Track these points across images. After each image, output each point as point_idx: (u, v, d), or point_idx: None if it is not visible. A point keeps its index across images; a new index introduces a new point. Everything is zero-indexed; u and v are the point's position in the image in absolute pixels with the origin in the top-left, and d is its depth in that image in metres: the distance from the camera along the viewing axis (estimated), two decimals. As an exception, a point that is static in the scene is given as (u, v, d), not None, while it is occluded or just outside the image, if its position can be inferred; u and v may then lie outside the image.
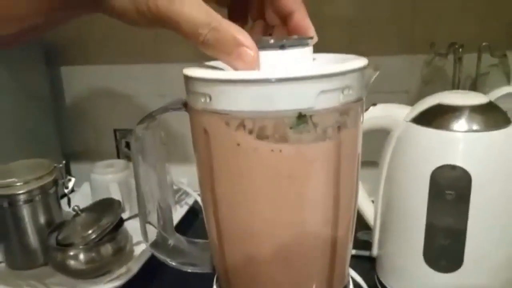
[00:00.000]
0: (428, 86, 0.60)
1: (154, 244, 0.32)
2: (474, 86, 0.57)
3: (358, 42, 0.65)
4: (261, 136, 0.23)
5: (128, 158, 0.76)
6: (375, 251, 0.48)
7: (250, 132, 0.23)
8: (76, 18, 0.28)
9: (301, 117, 0.23)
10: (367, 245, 0.49)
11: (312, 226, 0.26)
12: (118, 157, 0.79)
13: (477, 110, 0.40)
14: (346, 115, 0.24)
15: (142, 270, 0.52)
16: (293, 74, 0.22)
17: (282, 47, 0.24)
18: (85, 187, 0.71)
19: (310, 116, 0.23)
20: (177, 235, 0.33)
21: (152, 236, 0.32)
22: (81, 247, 0.50)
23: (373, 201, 0.49)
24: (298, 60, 0.25)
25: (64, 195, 0.58)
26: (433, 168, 0.40)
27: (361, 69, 0.24)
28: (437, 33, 0.60)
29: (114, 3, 0.23)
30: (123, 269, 0.51)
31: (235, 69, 0.24)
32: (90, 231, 0.50)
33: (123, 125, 0.77)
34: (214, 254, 0.30)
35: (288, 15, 0.27)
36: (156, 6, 0.22)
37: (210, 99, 0.23)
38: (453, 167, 0.39)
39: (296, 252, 0.26)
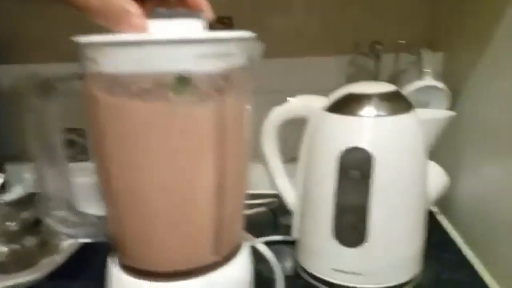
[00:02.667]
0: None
1: (60, 220, 0.33)
2: (394, 82, 0.61)
3: (288, 44, 0.68)
4: (145, 97, 0.24)
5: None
6: (294, 234, 0.50)
7: (136, 93, 0.24)
8: None
9: (182, 79, 0.24)
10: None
11: (199, 190, 0.27)
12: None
13: (383, 97, 0.43)
14: (228, 81, 0.26)
15: (70, 264, 0.51)
16: (170, 36, 0.23)
17: (169, 16, 0.26)
18: (18, 188, 0.70)
19: (190, 79, 0.24)
20: (80, 211, 0.33)
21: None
22: (0, 239, 0.49)
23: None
24: (186, 28, 0.27)
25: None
26: (341, 150, 0.42)
27: (238, 39, 0.26)
28: (360, 33, 0.65)
29: None
30: (45, 261, 0.50)
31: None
32: (10, 223, 0.49)
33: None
34: (109, 221, 0.30)
35: None
36: None
37: (97, 62, 0.25)
38: (357, 149, 0.42)
39: (184, 214, 0.28)
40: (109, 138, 0.27)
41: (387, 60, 0.61)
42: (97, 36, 0.25)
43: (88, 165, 0.65)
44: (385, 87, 0.44)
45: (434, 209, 0.64)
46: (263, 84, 0.69)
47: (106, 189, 0.29)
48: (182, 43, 0.24)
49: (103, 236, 0.32)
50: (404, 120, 0.42)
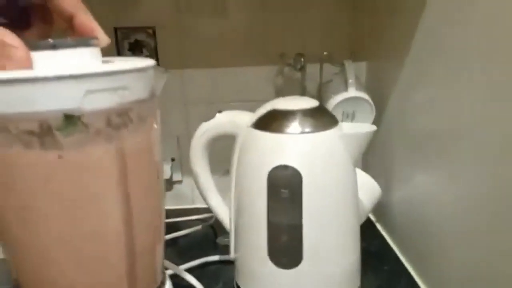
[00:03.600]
0: (281, 95, 0.63)
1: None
2: (319, 93, 0.62)
3: (215, 55, 0.67)
4: (30, 143, 0.22)
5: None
6: (232, 254, 0.49)
7: (19, 138, 0.22)
8: None
9: (68, 118, 0.22)
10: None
11: (103, 236, 0.25)
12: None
13: (307, 113, 0.43)
14: (125, 116, 0.24)
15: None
16: (55, 72, 0.21)
17: (54, 47, 0.24)
18: None
19: (79, 117, 0.22)
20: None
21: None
22: None
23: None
24: (77, 60, 0.24)
25: None
26: (269, 169, 0.42)
27: (134, 71, 0.24)
28: (286, 45, 0.65)
29: None
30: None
31: (7, 70, 0.23)
32: None
33: None
34: (12, 270, 0.27)
35: (71, 18, 0.27)
36: None
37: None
38: (285, 167, 0.41)
39: (91, 260, 0.25)
40: None
41: (313, 71, 0.62)
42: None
43: None
44: (309, 103, 0.44)
45: (372, 218, 0.65)
46: (191, 95, 0.68)
47: (2, 240, 0.26)
48: (69, 79, 0.22)
49: (5, 283, 0.29)
50: (328, 136, 0.42)
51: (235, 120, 0.47)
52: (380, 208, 0.51)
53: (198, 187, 0.51)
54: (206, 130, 0.48)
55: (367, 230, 0.46)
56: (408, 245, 0.55)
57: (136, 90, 0.24)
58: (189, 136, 0.49)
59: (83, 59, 0.25)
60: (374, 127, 0.43)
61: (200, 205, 0.64)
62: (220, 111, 0.47)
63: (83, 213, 0.24)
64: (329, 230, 0.43)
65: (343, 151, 0.42)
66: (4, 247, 0.26)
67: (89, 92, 0.22)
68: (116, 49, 0.65)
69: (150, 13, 0.66)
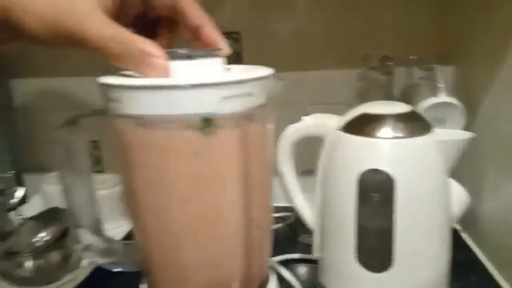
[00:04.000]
0: (363, 98, 0.64)
1: (86, 247, 0.34)
2: (405, 97, 0.61)
3: (297, 57, 0.68)
4: (171, 139, 0.25)
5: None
6: (315, 254, 0.50)
7: (161, 135, 0.25)
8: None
9: (206, 121, 0.25)
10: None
11: (226, 214, 0.28)
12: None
13: (399, 118, 0.43)
14: (249, 119, 0.26)
15: (90, 279, 0.52)
16: (194, 80, 0.24)
17: (189, 57, 0.27)
18: (37, 199, 0.72)
19: (215, 120, 0.25)
20: (107, 237, 0.34)
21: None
22: (27, 254, 0.50)
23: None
24: (207, 69, 0.27)
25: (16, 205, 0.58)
26: (360, 172, 0.42)
27: (261, 79, 0.26)
28: (370, 47, 0.64)
29: (28, 27, 0.25)
30: (69, 277, 0.52)
31: (148, 77, 0.26)
32: (35, 239, 0.51)
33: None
34: (141, 254, 0.31)
35: (197, 30, 0.30)
36: (66, 26, 0.24)
37: (122, 104, 0.25)
38: (377, 171, 0.42)
39: (213, 252, 0.28)
40: (136, 167, 0.27)
41: (399, 75, 0.61)
42: (122, 79, 0.26)
43: (105, 177, 0.66)
44: (401, 107, 0.44)
45: (458, 226, 0.63)
46: (275, 97, 0.70)
47: (134, 216, 0.29)
48: (206, 87, 0.24)
49: (130, 265, 0.33)
50: (422, 141, 0.42)
51: (323, 122, 0.48)
52: (467, 216, 0.49)
53: (283, 186, 0.53)
54: (293, 131, 0.50)
55: (453, 239, 0.45)
56: (499, 256, 0.53)
57: (260, 96, 0.27)
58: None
59: (213, 68, 0.27)
60: (471, 134, 0.42)
61: (280, 203, 0.66)
62: (307, 114, 0.49)
63: (209, 193, 0.27)
64: (421, 236, 0.42)
65: (438, 157, 0.42)
66: (136, 231, 0.30)
67: (224, 98, 0.25)
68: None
69: (234, 18, 0.69)
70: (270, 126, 0.29)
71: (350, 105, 0.44)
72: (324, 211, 0.48)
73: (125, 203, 0.30)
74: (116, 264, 0.33)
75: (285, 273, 0.42)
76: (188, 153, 0.26)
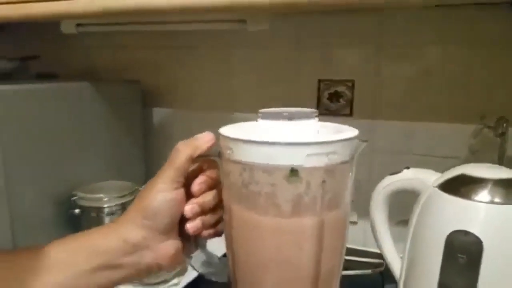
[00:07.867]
0: (475, 155, 0.61)
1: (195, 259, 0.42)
2: (518, 161, 0.57)
3: (413, 108, 0.70)
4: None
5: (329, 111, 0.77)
6: (398, 303, 0.51)
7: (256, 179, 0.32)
8: None
9: (293, 171, 0.31)
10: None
11: (298, 264, 0.33)
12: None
13: (500, 183, 0.43)
14: (331, 173, 0.31)
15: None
16: (289, 140, 0.30)
17: (290, 118, 0.33)
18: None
19: (300, 171, 0.31)
20: (209, 251, 0.42)
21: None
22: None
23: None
24: (302, 129, 0.33)
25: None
26: (449, 232, 0.43)
27: (342, 141, 0.31)
28: (487, 106, 0.63)
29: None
30: (176, 280, 0.61)
31: None
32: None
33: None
34: (230, 271, 0.38)
35: None
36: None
37: (232, 151, 0.33)
38: (466, 233, 0.42)
39: (287, 281, 0.34)
40: (234, 210, 0.35)
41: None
42: (237, 132, 0.33)
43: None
44: (503, 173, 0.44)
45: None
46: (379, 143, 0.72)
47: (229, 246, 0.36)
48: (295, 145, 0.30)
49: (223, 277, 0.39)
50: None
51: (422, 178, 0.49)
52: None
53: (374, 234, 0.55)
54: (391, 182, 0.52)
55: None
56: None
57: (342, 154, 0.32)
58: (371, 181, 0.53)
59: (307, 128, 0.34)
60: None
61: (371, 249, 0.67)
62: (407, 167, 0.51)
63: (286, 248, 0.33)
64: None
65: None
66: (229, 256, 0.37)
67: (309, 155, 0.30)
68: (317, 97, 0.76)
69: (350, 68, 0.74)
70: (351, 175, 0.34)
71: (460, 159, 0.44)
72: (410, 264, 0.48)
73: (225, 232, 0.38)
74: (213, 274, 0.40)
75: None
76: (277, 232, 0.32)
